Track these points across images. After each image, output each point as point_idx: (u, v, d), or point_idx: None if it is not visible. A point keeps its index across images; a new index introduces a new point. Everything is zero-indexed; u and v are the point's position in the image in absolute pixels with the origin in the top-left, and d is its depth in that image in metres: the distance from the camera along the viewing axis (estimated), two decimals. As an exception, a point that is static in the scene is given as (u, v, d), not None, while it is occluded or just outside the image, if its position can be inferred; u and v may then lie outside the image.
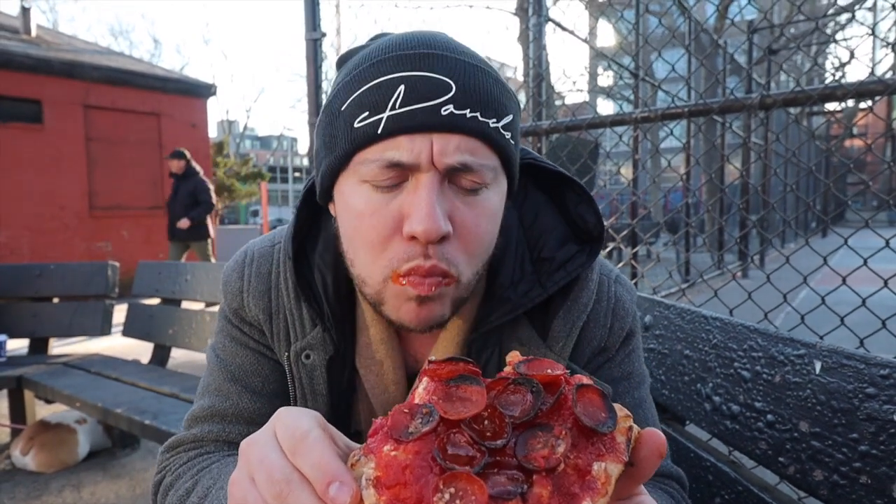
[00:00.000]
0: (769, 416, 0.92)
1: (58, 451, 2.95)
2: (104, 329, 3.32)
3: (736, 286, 3.29)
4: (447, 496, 0.38)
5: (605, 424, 0.42)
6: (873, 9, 14.11)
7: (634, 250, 3.44)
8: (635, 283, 3.45)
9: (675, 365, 1.17)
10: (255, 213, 37.50)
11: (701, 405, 1.08)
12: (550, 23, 3.87)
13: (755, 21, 9.19)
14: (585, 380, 0.45)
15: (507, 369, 0.47)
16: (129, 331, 3.30)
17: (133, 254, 9.44)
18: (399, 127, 0.61)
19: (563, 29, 4.04)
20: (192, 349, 2.93)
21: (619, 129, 2.60)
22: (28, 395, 3.24)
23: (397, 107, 0.61)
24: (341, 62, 0.72)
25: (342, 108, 0.64)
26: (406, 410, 0.44)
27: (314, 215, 0.80)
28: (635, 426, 0.44)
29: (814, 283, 2.22)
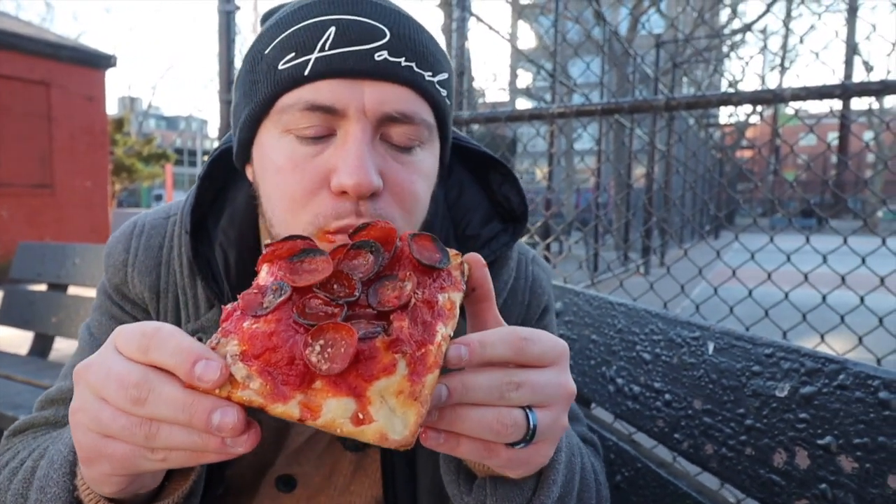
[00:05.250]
0: (667, 396, 0.97)
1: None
2: (-26, 317, 2.96)
3: (638, 283, 3.50)
4: (318, 347, 0.40)
5: (440, 262, 0.47)
6: (764, 31, 15.55)
7: (546, 242, 3.55)
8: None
9: (583, 349, 1.21)
10: (159, 198, 35.24)
11: (605, 387, 1.12)
12: (474, 18, 3.91)
13: (662, 35, 9.82)
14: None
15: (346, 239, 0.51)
16: (4, 319, 2.97)
17: (13, 236, 8.49)
18: (328, 70, 0.57)
19: (487, 26, 4.10)
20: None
21: (537, 124, 2.66)
22: None
23: (327, 48, 0.57)
24: (266, 18, 0.68)
25: (265, 52, 0.60)
26: (255, 291, 0.44)
27: (220, 189, 0.74)
28: (465, 261, 0.50)
29: (708, 278, 2.41)
